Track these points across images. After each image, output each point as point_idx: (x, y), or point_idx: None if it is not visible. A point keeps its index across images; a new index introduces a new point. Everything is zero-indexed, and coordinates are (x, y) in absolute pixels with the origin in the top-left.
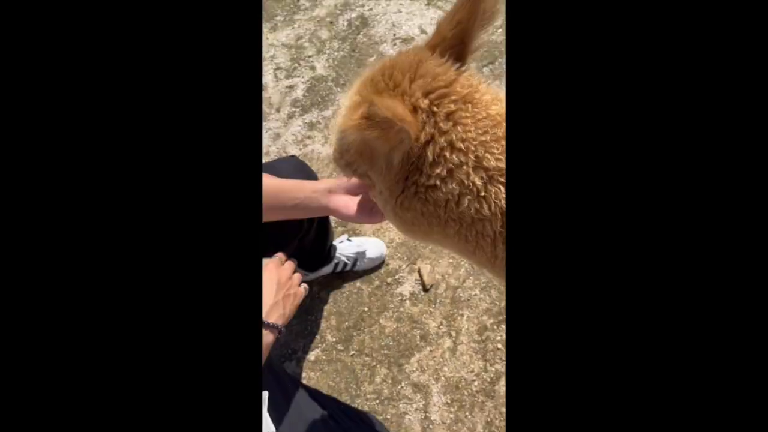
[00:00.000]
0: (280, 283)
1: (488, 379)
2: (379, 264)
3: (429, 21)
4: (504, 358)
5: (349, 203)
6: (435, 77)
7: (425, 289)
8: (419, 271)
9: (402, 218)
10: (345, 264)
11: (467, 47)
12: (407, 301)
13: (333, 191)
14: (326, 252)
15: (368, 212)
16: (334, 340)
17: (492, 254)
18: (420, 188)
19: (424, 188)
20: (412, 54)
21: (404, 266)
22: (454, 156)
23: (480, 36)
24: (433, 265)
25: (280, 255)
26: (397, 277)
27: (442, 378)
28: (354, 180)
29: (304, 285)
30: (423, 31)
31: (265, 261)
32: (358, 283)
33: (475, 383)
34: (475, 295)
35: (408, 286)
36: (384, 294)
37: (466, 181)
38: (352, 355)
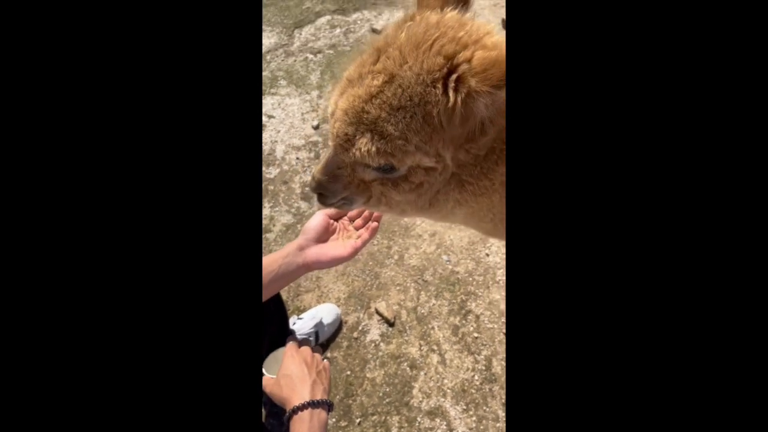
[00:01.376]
0: (307, 363)
1: (483, 367)
2: (338, 326)
3: None
4: (485, 342)
5: (322, 251)
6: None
7: (391, 324)
8: (377, 311)
9: (472, 189)
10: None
11: None
12: (381, 344)
13: (303, 246)
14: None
15: (344, 248)
16: (333, 420)
17: None
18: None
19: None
20: (451, 15)
21: (362, 315)
22: None
23: None
24: (386, 299)
25: (293, 339)
26: (360, 328)
27: (448, 391)
28: (319, 225)
29: (326, 360)
30: None
31: (280, 351)
32: (328, 354)
33: (476, 377)
34: (433, 304)
35: (375, 330)
36: (357, 350)
37: None
38: (359, 424)
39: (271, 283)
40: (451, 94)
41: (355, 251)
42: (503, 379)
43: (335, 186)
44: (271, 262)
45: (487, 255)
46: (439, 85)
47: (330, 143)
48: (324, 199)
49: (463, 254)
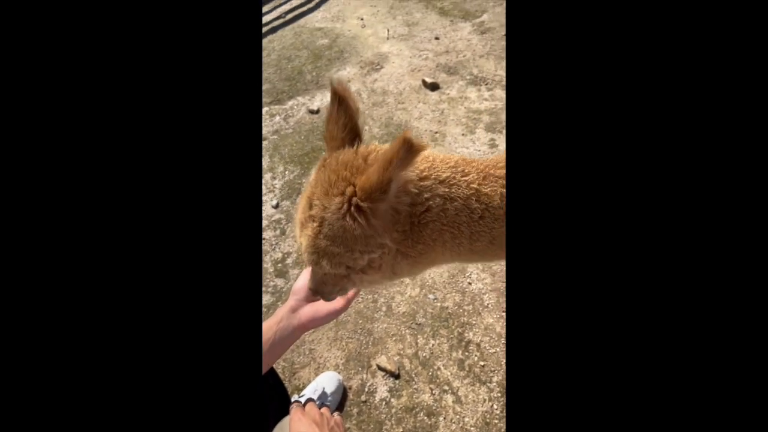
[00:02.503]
0: (317, 422)
1: (499, 394)
2: (343, 392)
3: None
4: (493, 368)
5: (315, 308)
6: (378, 152)
7: (397, 376)
8: (379, 367)
9: (413, 253)
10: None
11: (358, 133)
12: (392, 399)
13: (296, 307)
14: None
15: (337, 301)
16: None
17: (485, 229)
18: (420, 217)
19: (421, 214)
20: (345, 153)
21: (365, 375)
22: (426, 182)
23: (359, 122)
24: (385, 353)
25: (296, 403)
26: (366, 389)
27: (472, 429)
28: (305, 283)
29: (337, 412)
30: None
31: (285, 420)
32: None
33: (495, 406)
34: (433, 344)
35: (382, 387)
36: (369, 413)
37: (441, 192)
38: None
39: (269, 350)
40: (358, 217)
41: (349, 302)
42: None
43: (326, 288)
44: (266, 329)
45: (470, 284)
46: (348, 217)
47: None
48: (324, 296)
49: (447, 289)
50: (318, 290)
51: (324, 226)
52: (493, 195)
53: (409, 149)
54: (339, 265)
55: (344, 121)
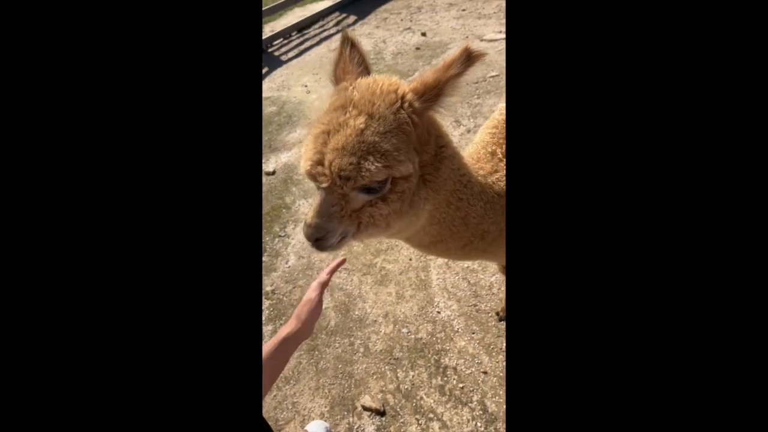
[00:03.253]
0: None
1: (480, 412)
2: None
3: None
4: (471, 388)
5: (297, 311)
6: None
7: (382, 413)
8: (364, 408)
9: (432, 185)
10: None
11: (369, 70)
12: None
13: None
14: None
15: (311, 317)
16: None
17: (465, 197)
18: (441, 150)
19: (441, 147)
20: (377, 79)
21: (351, 418)
22: (445, 132)
23: (368, 60)
24: (368, 392)
25: None
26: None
27: None
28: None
29: None
30: None
31: None
32: None
33: (479, 425)
34: (413, 376)
35: (370, 428)
36: None
37: (453, 147)
38: None
39: (270, 360)
40: (411, 115)
41: (320, 284)
42: (501, 413)
43: (331, 224)
44: (265, 351)
45: (439, 312)
46: (402, 111)
47: (323, 186)
48: (323, 242)
49: (418, 320)
50: (319, 226)
51: (373, 121)
52: (471, 176)
53: (468, 56)
54: (384, 168)
55: (358, 59)
